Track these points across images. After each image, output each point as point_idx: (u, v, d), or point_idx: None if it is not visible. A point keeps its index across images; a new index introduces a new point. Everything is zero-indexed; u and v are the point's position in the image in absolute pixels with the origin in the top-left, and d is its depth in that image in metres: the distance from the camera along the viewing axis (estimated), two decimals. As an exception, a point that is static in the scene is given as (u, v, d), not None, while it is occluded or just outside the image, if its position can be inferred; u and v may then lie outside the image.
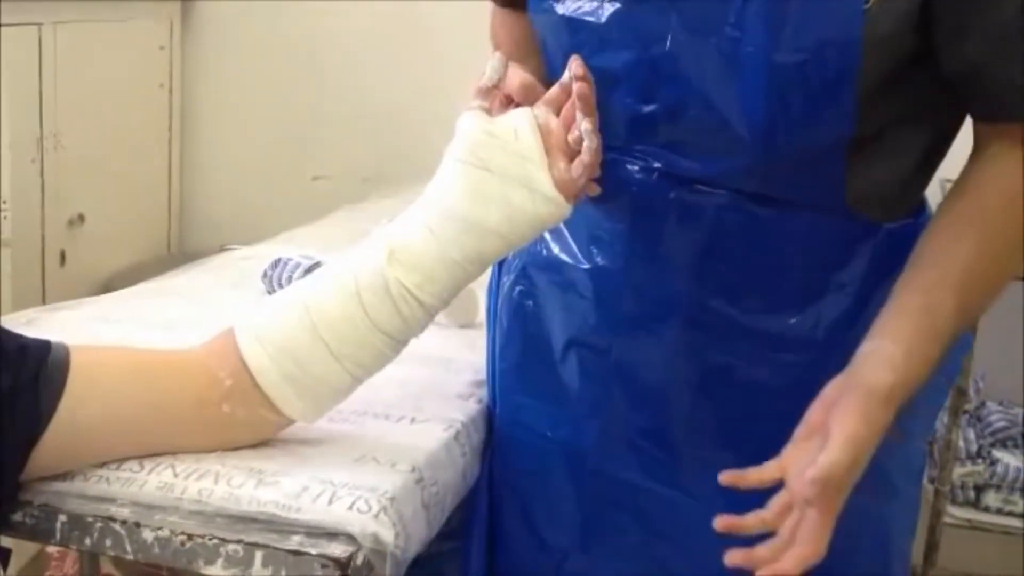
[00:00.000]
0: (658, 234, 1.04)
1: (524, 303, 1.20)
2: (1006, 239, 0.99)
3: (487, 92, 1.06)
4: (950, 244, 0.99)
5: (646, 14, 1.03)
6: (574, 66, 1.01)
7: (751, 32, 0.98)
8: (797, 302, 1.08)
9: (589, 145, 1.00)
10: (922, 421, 1.19)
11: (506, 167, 1.02)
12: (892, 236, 1.08)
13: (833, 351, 1.08)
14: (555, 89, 1.06)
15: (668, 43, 1.02)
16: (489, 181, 1.02)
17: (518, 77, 1.07)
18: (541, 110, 1.05)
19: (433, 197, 1.04)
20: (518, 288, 1.21)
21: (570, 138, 1.02)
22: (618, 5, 1.04)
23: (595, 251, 1.13)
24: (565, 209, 1.04)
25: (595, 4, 1.06)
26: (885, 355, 0.96)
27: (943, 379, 1.18)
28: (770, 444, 1.10)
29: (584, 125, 1.00)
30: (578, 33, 1.07)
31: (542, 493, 1.20)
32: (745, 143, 1.00)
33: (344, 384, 1.04)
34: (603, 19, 1.05)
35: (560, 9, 1.08)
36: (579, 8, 1.07)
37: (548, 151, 1.03)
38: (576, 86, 1.00)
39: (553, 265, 1.16)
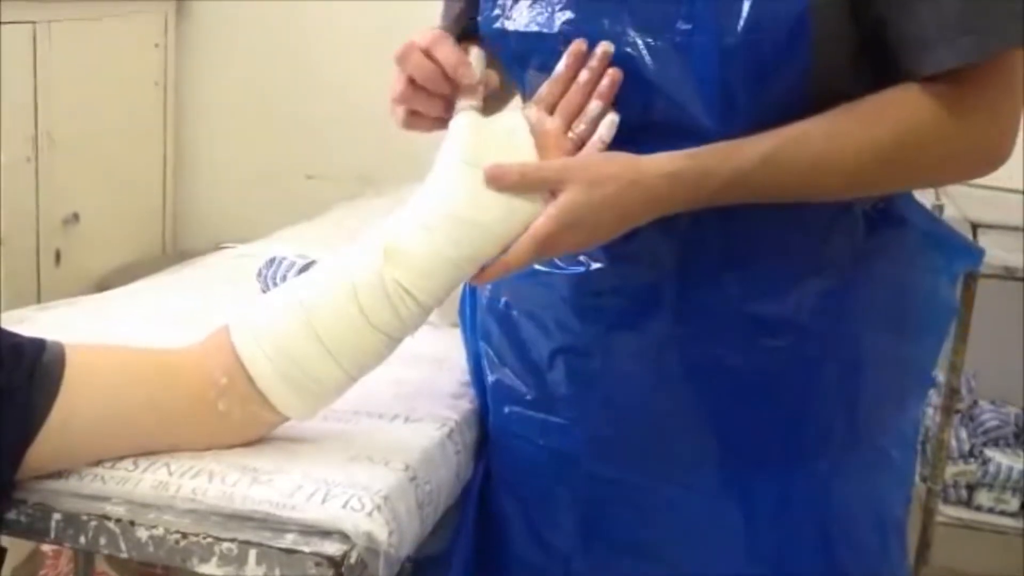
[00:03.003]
0: (636, 231, 1.05)
1: (510, 313, 1.20)
2: (875, 142, 0.99)
3: (473, 89, 1.06)
4: (819, 118, 1.00)
5: (598, 19, 1.04)
6: (602, 44, 1.03)
7: (701, 22, 0.99)
8: (778, 287, 1.08)
9: (608, 134, 1.03)
10: (914, 394, 1.20)
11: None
12: (869, 217, 1.09)
13: (816, 333, 1.09)
14: (545, 88, 1.06)
15: (622, 46, 1.03)
16: (483, 181, 1.02)
17: (454, 55, 1.07)
18: (532, 110, 1.06)
19: (428, 196, 1.04)
20: (504, 298, 1.21)
21: (575, 133, 1.04)
22: (570, 13, 1.05)
23: (576, 254, 1.13)
24: None
25: (546, 15, 1.07)
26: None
27: (932, 354, 1.19)
28: (759, 429, 1.11)
29: (610, 116, 1.03)
30: (533, 46, 1.08)
31: (540, 499, 1.20)
32: (710, 131, 1.01)
33: (339, 381, 1.05)
34: (555, 28, 1.06)
35: (511, 25, 1.09)
36: (530, 21, 1.08)
37: (543, 149, 1.04)
38: (611, 70, 1.02)
39: (536, 271, 1.16)
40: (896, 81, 1.00)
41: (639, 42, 1.02)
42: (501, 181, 1.01)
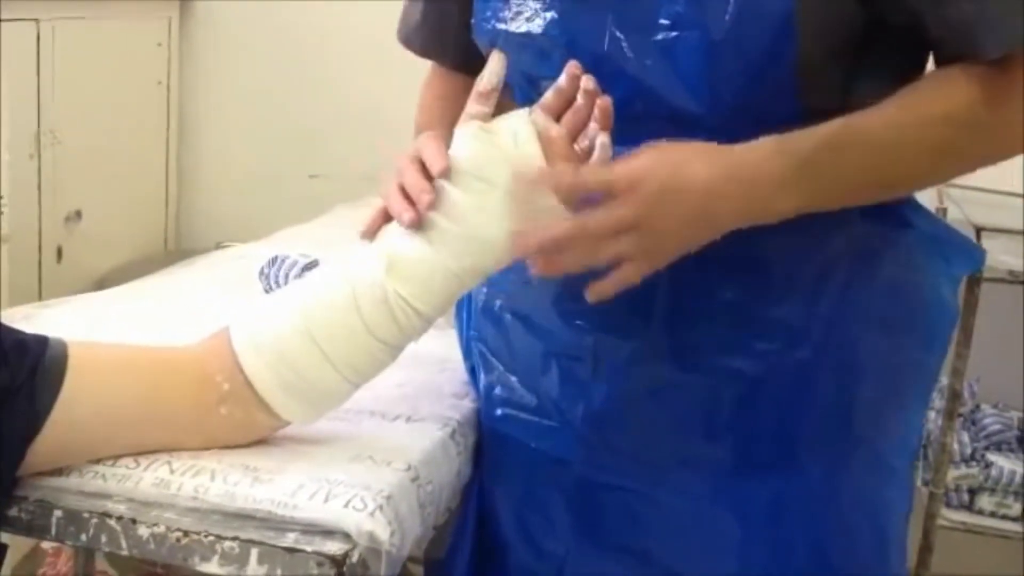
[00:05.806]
0: None
1: (504, 316, 1.20)
2: (924, 139, 0.99)
3: (487, 95, 1.05)
4: (868, 112, 0.99)
5: (582, 18, 1.04)
6: (585, 79, 1.01)
7: (686, 19, 0.99)
8: (775, 291, 1.08)
9: (604, 157, 1.00)
10: (916, 399, 1.19)
11: (508, 179, 1.00)
12: (867, 218, 1.08)
13: (812, 337, 1.08)
14: (550, 95, 1.04)
15: (606, 44, 1.03)
16: (490, 193, 1.01)
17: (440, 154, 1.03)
18: (540, 116, 1.03)
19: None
20: (498, 301, 1.20)
21: (579, 147, 1.02)
22: (553, 13, 1.05)
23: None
24: None
25: (533, 16, 1.06)
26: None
27: (935, 358, 1.19)
28: (754, 434, 1.11)
29: (601, 138, 1.00)
30: (522, 47, 1.07)
31: (534, 503, 1.20)
32: (698, 119, 1.01)
33: (341, 390, 1.05)
34: (540, 29, 1.06)
35: (501, 27, 1.09)
36: (520, 23, 1.07)
37: (549, 156, 1.02)
38: (600, 100, 1.00)
39: (530, 275, 1.15)
40: (906, 66, 1.01)
41: (623, 40, 1.02)
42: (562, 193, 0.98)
